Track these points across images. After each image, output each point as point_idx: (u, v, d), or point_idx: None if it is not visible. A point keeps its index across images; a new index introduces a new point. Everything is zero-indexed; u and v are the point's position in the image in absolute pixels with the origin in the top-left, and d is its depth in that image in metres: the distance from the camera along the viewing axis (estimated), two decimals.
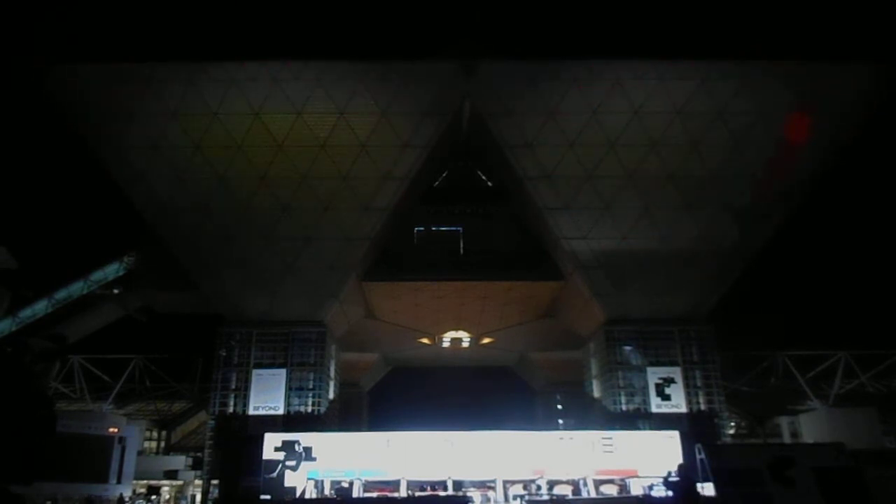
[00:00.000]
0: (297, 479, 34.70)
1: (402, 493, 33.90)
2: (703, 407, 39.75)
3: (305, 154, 37.50)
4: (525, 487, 35.18)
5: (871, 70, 36.75)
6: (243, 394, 40.14)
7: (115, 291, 46.22)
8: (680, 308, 40.85)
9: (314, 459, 35.12)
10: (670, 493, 20.51)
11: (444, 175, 44.81)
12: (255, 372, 40.47)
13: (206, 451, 40.13)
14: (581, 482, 34.77)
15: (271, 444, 35.55)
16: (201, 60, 36.42)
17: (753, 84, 36.53)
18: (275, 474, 34.79)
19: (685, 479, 17.06)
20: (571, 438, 37.08)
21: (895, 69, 36.66)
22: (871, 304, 56.84)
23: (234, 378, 40.64)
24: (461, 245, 43.37)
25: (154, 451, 56.71)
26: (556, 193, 38.22)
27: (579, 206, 38.38)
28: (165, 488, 48.13)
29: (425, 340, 53.76)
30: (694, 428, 38.27)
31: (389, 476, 34.91)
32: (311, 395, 40.41)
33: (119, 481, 42.64)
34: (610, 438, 36.29)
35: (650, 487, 33.47)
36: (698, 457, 28.55)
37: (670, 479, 23.91)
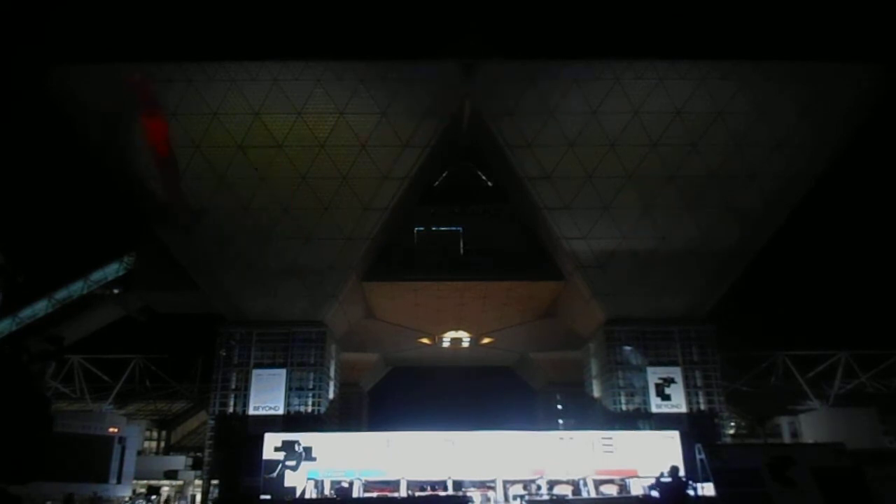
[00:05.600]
0: (297, 479, 34.71)
1: (402, 493, 33.91)
2: (703, 407, 39.73)
3: (305, 154, 37.52)
4: (525, 487, 35.19)
5: (871, 70, 36.77)
6: (243, 394, 40.14)
7: (115, 291, 46.22)
8: (680, 308, 40.85)
9: (314, 459, 35.14)
10: (655, 494, 20.52)
11: (444, 175, 44.80)
12: (255, 372, 40.47)
13: (206, 451, 40.14)
14: (581, 482, 34.78)
15: (271, 444, 35.57)
16: (201, 60, 36.43)
17: (753, 84, 36.56)
18: (275, 474, 34.80)
19: (675, 480, 17.15)
20: (571, 438, 37.10)
21: (895, 69, 36.67)
22: (871, 304, 56.87)
23: (234, 378, 40.65)
24: (461, 245, 43.35)
25: (154, 451, 56.70)
26: (556, 193, 38.22)
27: (579, 206, 38.38)
28: (165, 488, 48.10)
29: (425, 340, 53.75)
30: (694, 428, 38.27)
31: (389, 476, 34.92)
32: (311, 395, 40.41)
33: (119, 481, 42.64)
34: (610, 438, 36.30)
35: (650, 487, 33.45)
36: (698, 457, 28.57)
37: (661, 479, 23.94)
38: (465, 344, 54.48)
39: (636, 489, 34.03)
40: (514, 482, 35.26)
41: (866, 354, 48.98)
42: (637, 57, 36.86)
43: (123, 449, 43.45)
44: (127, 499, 43.21)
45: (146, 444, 55.84)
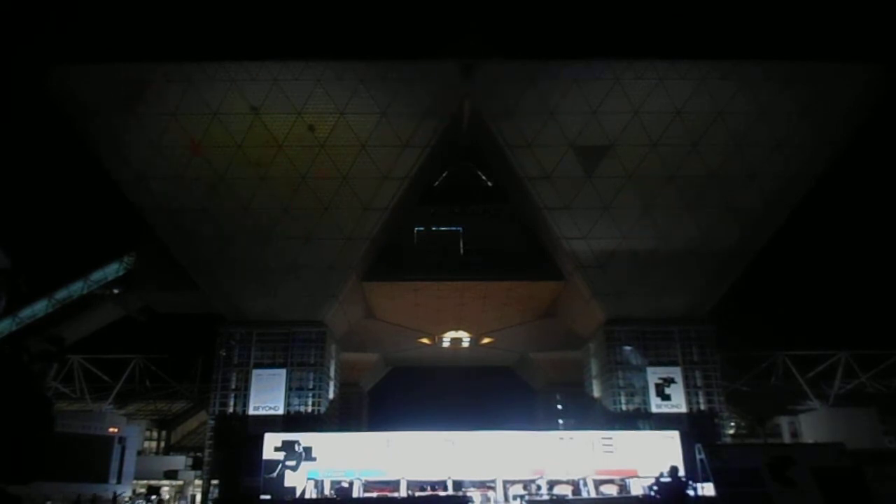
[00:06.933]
0: (297, 479, 34.70)
1: (402, 493, 33.91)
2: (703, 407, 39.72)
3: (305, 154, 37.52)
4: (525, 487, 35.18)
5: (871, 70, 36.77)
6: (243, 394, 40.14)
7: (115, 291, 46.21)
8: (680, 308, 40.84)
9: (314, 459, 35.14)
10: (654, 493, 20.52)
11: (444, 175, 44.79)
12: (255, 372, 40.47)
13: (206, 451, 40.13)
14: (581, 482, 34.78)
15: (271, 444, 35.56)
16: (201, 60, 36.43)
17: (753, 84, 36.55)
18: (275, 474, 34.80)
19: (675, 480, 17.19)
20: (571, 438, 37.10)
21: (895, 69, 36.67)
22: (871, 304, 56.88)
23: (234, 378, 40.64)
24: (461, 245, 43.35)
25: (154, 451, 56.70)
26: (556, 193, 38.21)
27: (579, 206, 38.38)
28: (165, 488, 48.12)
29: (425, 340, 53.74)
30: (694, 428, 38.26)
31: (389, 476, 34.91)
32: (311, 395, 40.40)
33: (119, 481, 42.62)
34: (610, 438, 36.30)
35: (650, 487, 33.45)
36: (698, 457, 28.56)
37: (661, 479, 23.92)
38: (465, 344, 54.48)
39: (636, 489, 34.03)
40: (514, 482, 35.25)
41: (866, 354, 48.96)
42: (637, 57, 36.86)
43: (123, 449, 43.44)
44: (127, 499, 43.19)
45: (146, 444, 55.83)
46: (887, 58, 36.68)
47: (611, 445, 35.81)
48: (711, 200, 38.39)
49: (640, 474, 34.59)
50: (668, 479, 18.69)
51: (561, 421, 57.43)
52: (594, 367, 45.09)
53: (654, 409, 39.53)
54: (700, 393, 40.10)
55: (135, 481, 45.00)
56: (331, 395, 43.23)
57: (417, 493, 33.51)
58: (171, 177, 37.95)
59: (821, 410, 48.41)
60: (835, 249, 57.77)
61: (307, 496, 34.13)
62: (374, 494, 34.38)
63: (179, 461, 50.66)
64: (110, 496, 40.95)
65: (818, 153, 38.04)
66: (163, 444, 58.36)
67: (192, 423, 61.12)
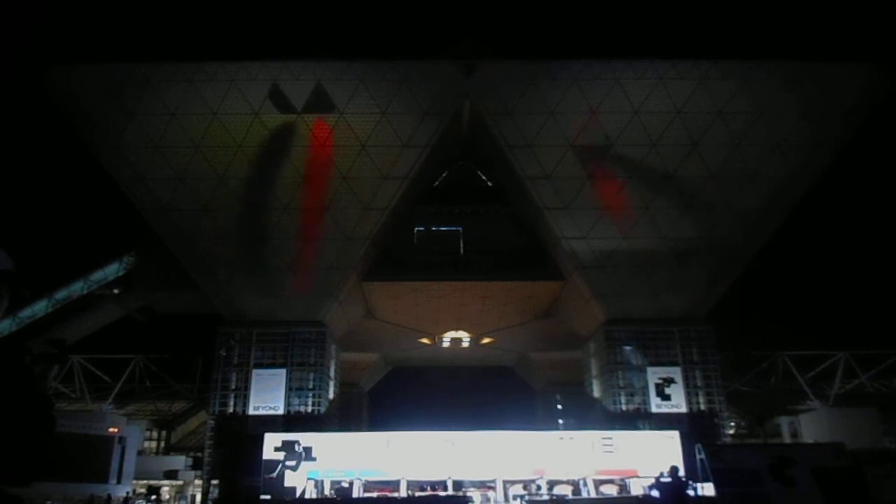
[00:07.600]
0: (297, 479, 34.70)
1: (402, 493, 33.91)
2: (703, 407, 39.74)
3: (305, 154, 37.47)
4: (525, 487, 35.19)
5: (871, 70, 36.77)
6: (243, 394, 40.13)
7: (115, 291, 46.20)
8: (680, 308, 40.85)
9: (314, 459, 35.13)
10: (655, 494, 20.49)
11: (444, 175, 44.77)
12: (255, 372, 40.46)
13: (206, 451, 40.12)
14: (581, 482, 34.78)
15: (271, 444, 35.56)
16: (201, 60, 36.42)
17: (753, 84, 36.55)
18: (275, 474, 34.79)
19: (675, 480, 17.15)
20: (571, 438, 37.11)
21: (895, 69, 36.68)
22: (871, 304, 56.89)
23: (234, 378, 40.62)
24: (461, 245, 43.33)
25: (154, 451, 56.70)
26: (556, 193, 38.21)
27: (579, 206, 38.38)
28: (165, 488, 48.12)
29: (425, 340, 53.73)
30: (694, 428, 38.27)
31: (389, 476, 34.91)
32: (311, 395, 40.40)
33: (119, 481, 42.61)
34: (610, 438, 36.29)
35: (650, 487, 33.43)
36: (698, 457, 28.56)
37: (661, 479, 23.89)
38: (465, 344, 54.46)
39: (636, 489, 34.03)
40: (514, 482, 35.25)
41: (866, 354, 48.92)
42: (637, 57, 36.87)
43: (123, 449, 43.42)
44: (126, 499, 43.21)
45: (146, 444, 55.82)
46: (887, 58, 36.73)
47: (611, 445, 35.81)
48: (711, 200, 38.40)
49: (640, 474, 34.58)
50: (668, 479, 18.67)
51: (561, 421, 57.43)
52: (594, 367, 45.09)
53: (654, 409, 39.53)
54: (700, 393, 40.11)
55: (135, 481, 44.99)
56: (331, 395, 43.22)
57: (417, 493, 33.52)
58: (171, 177, 37.98)
59: (821, 410, 48.39)
60: (835, 249, 57.82)
61: (307, 496, 34.13)
62: (375, 494, 34.38)
63: (179, 461, 50.66)
64: (122, 496, 40.99)
65: (818, 153, 38.03)
66: (163, 444, 58.35)
67: (192, 423, 61.08)
